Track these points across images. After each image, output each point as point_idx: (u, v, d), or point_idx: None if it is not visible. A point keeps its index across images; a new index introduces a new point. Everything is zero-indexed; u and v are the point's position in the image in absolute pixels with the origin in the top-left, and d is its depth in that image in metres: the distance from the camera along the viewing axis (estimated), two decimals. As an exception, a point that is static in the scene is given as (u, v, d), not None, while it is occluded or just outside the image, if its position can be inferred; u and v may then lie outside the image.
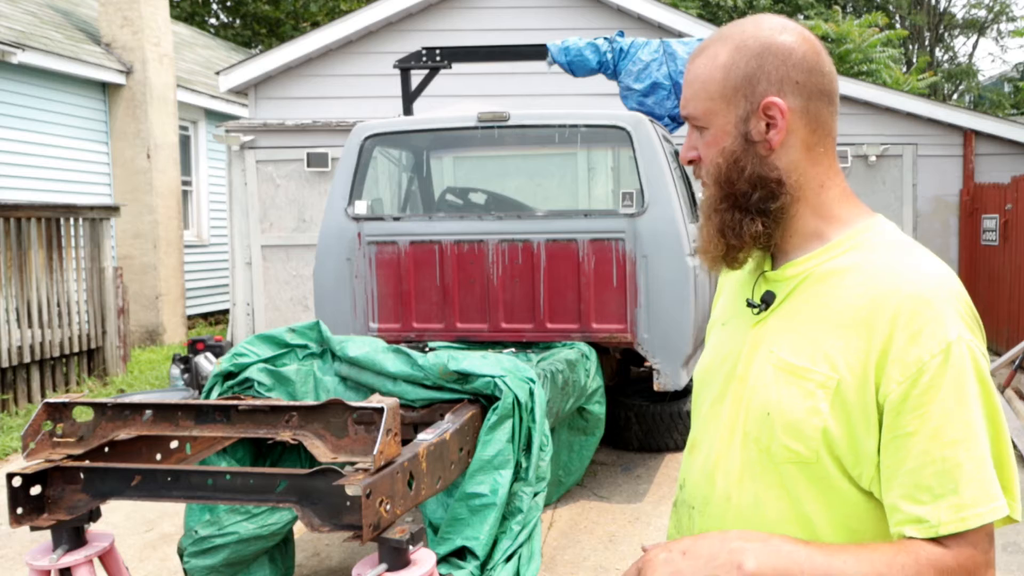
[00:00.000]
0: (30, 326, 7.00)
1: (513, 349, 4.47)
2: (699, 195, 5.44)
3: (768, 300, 1.18)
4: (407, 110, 6.13)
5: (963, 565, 1.01)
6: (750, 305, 1.20)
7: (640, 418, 5.49)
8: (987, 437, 1.03)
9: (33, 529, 2.30)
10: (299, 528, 3.85)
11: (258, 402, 2.46)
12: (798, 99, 1.13)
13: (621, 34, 5.87)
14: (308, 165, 8.71)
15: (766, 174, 1.13)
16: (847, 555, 1.01)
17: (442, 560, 2.99)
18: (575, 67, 5.83)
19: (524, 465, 3.23)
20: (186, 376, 6.51)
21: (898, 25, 23.76)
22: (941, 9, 27.01)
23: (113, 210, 8.14)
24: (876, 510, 1.09)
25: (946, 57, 28.49)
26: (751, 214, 1.14)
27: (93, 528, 2.42)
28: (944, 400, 1.02)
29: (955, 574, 1.01)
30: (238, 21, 22.42)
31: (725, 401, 1.20)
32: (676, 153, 5.35)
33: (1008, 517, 1.03)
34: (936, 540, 1.01)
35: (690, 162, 1.19)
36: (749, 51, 1.13)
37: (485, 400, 3.28)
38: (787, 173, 1.14)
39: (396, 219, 4.97)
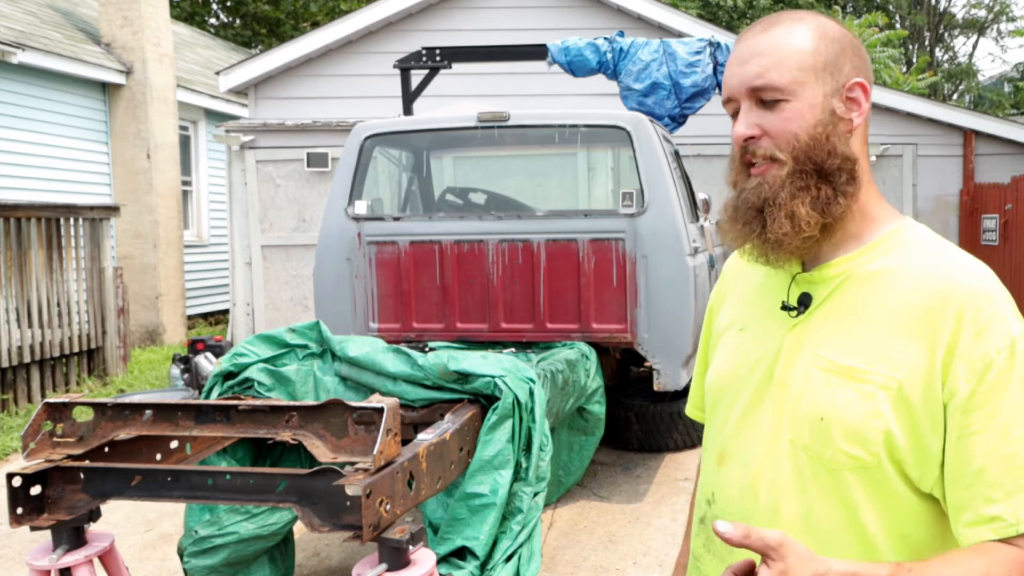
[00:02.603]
0: (30, 326, 7.00)
1: (513, 349, 4.47)
2: (700, 196, 5.38)
3: (805, 302, 1.15)
4: (407, 110, 6.13)
5: None
6: (786, 308, 1.16)
7: (640, 418, 5.50)
8: None
9: (33, 529, 2.30)
10: (299, 528, 3.85)
11: (258, 402, 2.46)
12: (868, 92, 1.13)
13: (621, 34, 5.87)
14: (308, 165, 8.71)
15: (849, 154, 1.11)
16: (939, 571, 0.97)
17: (442, 560, 2.99)
18: (575, 67, 5.83)
19: (524, 465, 3.23)
20: (186, 376, 6.51)
21: (898, 25, 23.76)
22: (941, 9, 27.01)
23: (113, 210, 8.14)
24: (932, 514, 1.08)
25: (946, 57, 28.48)
26: (838, 192, 1.10)
27: (93, 528, 2.42)
28: (1012, 396, 1.00)
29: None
30: (238, 21, 22.42)
31: (763, 408, 1.15)
32: (676, 153, 5.34)
33: None
34: (1007, 540, 0.99)
35: (748, 139, 1.12)
36: (831, 34, 1.13)
37: (485, 400, 3.28)
38: (856, 160, 1.12)
39: (396, 219, 4.97)
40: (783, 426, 1.12)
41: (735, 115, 1.15)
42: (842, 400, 1.06)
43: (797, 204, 1.09)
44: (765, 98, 1.11)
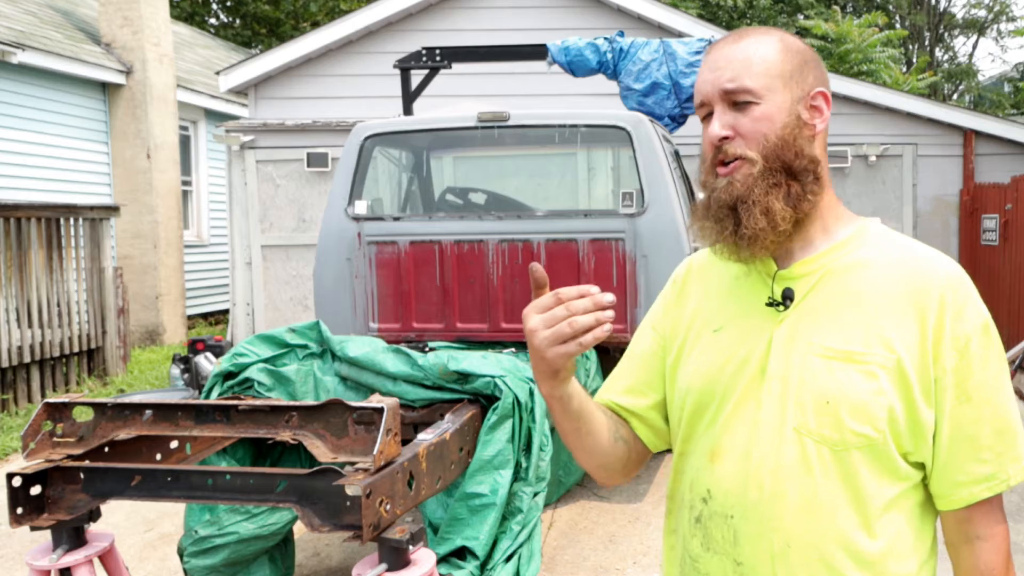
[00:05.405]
0: (30, 326, 7.00)
1: (513, 349, 4.47)
2: (700, 196, 5.43)
3: (789, 297, 1.20)
4: (407, 110, 6.12)
5: (999, 515, 1.19)
6: (771, 304, 1.21)
7: (640, 418, 5.48)
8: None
9: (33, 529, 2.30)
10: (299, 528, 3.85)
11: (258, 402, 2.46)
12: (829, 101, 1.23)
13: (621, 34, 5.87)
14: (308, 165, 8.71)
15: (814, 156, 1.20)
16: None
17: (442, 560, 2.99)
18: (575, 67, 5.83)
19: (524, 465, 3.23)
20: (186, 376, 6.51)
21: (898, 25, 23.76)
22: (941, 9, 27.00)
23: (113, 210, 8.14)
24: (918, 480, 1.18)
25: (946, 57, 28.46)
26: (805, 189, 1.19)
27: (93, 528, 2.42)
28: (990, 368, 1.15)
29: (998, 517, 1.18)
30: (238, 21, 22.42)
31: (759, 401, 1.18)
32: (676, 153, 5.35)
33: None
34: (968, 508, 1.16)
35: (723, 139, 1.19)
36: (796, 47, 1.22)
37: (485, 400, 3.28)
38: (820, 162, 1.21)
39: (396, 219, 4.97)
40: (786, 416, 1.16)
41: (706, 119, 1.21)
42: (847, 382, 1.13)
43: (771, 200, 1.16)
44: (737, 100, 1.18)
